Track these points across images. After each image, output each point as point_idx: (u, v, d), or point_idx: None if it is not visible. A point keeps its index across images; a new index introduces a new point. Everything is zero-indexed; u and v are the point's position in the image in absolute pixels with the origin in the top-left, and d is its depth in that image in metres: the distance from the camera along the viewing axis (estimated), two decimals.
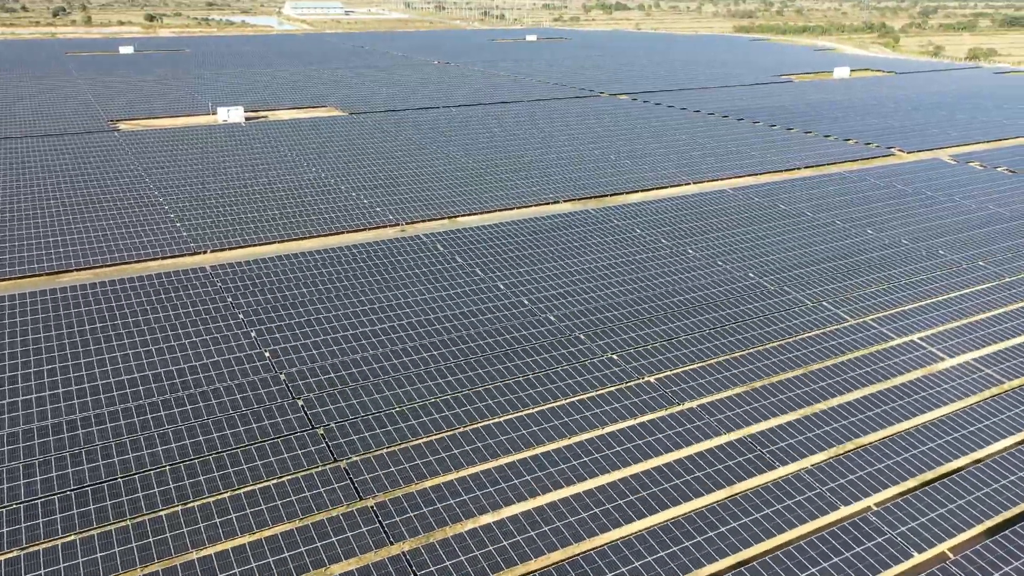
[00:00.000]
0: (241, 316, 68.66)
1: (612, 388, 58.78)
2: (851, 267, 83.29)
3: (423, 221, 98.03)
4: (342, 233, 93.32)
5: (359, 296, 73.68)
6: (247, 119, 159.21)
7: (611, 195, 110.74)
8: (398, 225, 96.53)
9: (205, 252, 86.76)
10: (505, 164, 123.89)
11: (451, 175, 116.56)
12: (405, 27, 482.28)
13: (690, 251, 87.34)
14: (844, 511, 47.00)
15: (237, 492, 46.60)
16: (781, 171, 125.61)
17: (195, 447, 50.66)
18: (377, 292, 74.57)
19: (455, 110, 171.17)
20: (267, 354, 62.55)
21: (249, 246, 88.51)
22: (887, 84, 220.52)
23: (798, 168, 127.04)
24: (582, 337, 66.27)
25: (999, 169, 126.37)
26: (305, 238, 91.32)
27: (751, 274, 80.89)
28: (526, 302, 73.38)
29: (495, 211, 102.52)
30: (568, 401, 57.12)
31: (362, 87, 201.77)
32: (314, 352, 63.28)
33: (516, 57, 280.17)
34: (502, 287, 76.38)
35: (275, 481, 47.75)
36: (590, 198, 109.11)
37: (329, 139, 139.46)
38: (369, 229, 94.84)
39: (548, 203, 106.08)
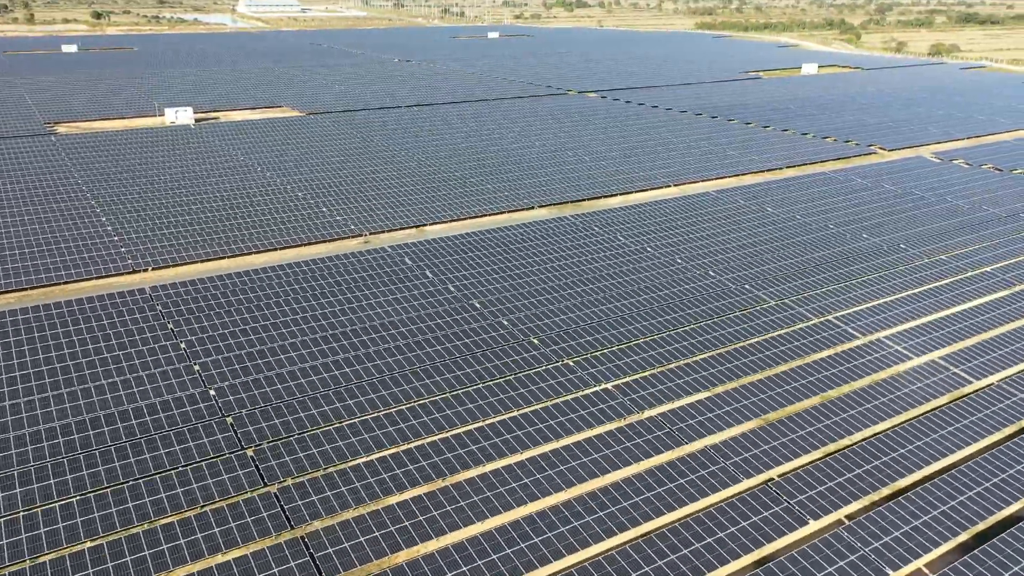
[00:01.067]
0: (183, 347, 60.43)
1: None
2: (850, 274, 77.52)
3: (389, 231, 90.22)
4: (299, 246, 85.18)
5: (319, 320, 65.78)
6: (197, 121, 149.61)
7: (589, 199, 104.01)
8: (361, 236, 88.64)
9: (146, 270, 78.04)
10: (475, 167, 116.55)
11: (418, 180, 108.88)
12: (363, 24, 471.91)
13: (679, 260, 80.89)
14: (814, 525, 42.51)
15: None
16: (764, 171, 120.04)
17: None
18: (340, 315, 66.73)
19: (418, 110, 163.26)
20: (212, 392, 54.49)
21: (195, 262, 79.95)
22: (857, 80, 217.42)
23: (780, 168, 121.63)
24: (572, 364, 59.30)
25: (984, 167, 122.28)
26: (257, 252, 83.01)
27: (747, 286, 74.60)
28: (505, 323, 66.15)
29: (467, 219, 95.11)
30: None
31: (320, 86, 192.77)
32: (256, 394, 55.34)
33: (480, 54, 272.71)
34: (477, 305, 69.11)
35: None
36: (567, 203, 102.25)
37: (285, 142, 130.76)
38: (329, 241, 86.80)
39: (523, 209, 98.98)
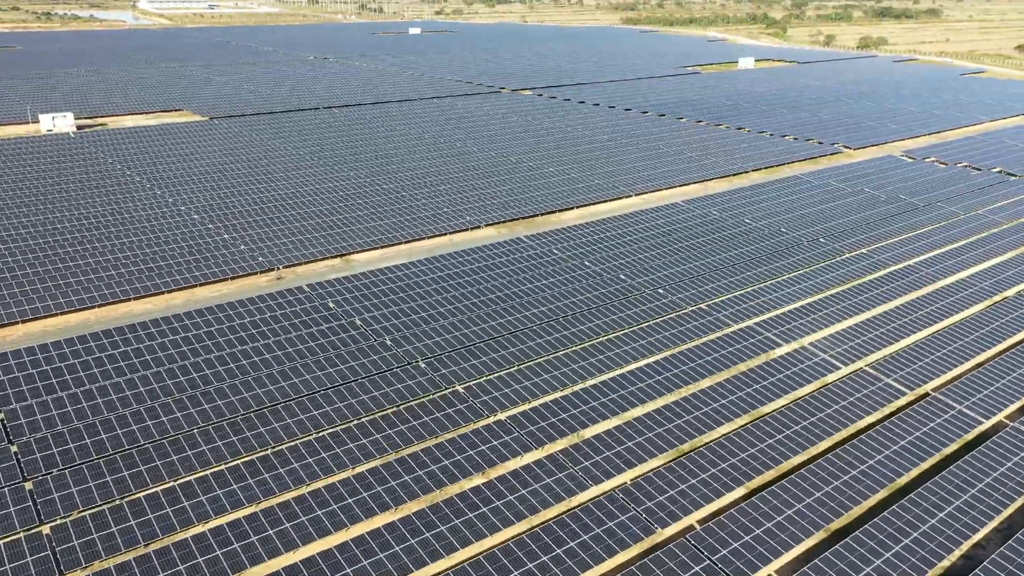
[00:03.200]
0: (15, 451, 43.41)
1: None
2: (866, 300, 65.30)
3: (307, 262, 73.88)
4: (190, 287, 68.15)
5: (196, 403, 49.44)
6: (78, 128, 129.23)
7: (543, 215, 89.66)
8: (273, 271, 72.11)
9: None
10: (408, 179, 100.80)
11: (340, 196, 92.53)
12: (276, 21, 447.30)
13: (664, 293, 67.26)
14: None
15: None
16: (730, 176, 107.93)
17: None
18: (227, 395, 50.52)
19: (338, 112, 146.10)
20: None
21: (49, 315, 62.21)
22: (797, 75, 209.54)
23: (747, 171, 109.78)
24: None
25: (960, 166, 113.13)
26: (135, 298, 65.69)
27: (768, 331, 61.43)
28: (462, 391, 51.13)
29: (401, 243, 79.50)
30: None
31: (226, 87, 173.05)
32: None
33: (402, 51, 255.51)
34: (423, 366, 53.91)
35: None
36: (518, 220, 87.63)
37: (181, 152, 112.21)
38: (231, 279, 69.98)
39: (467, 229, 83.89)
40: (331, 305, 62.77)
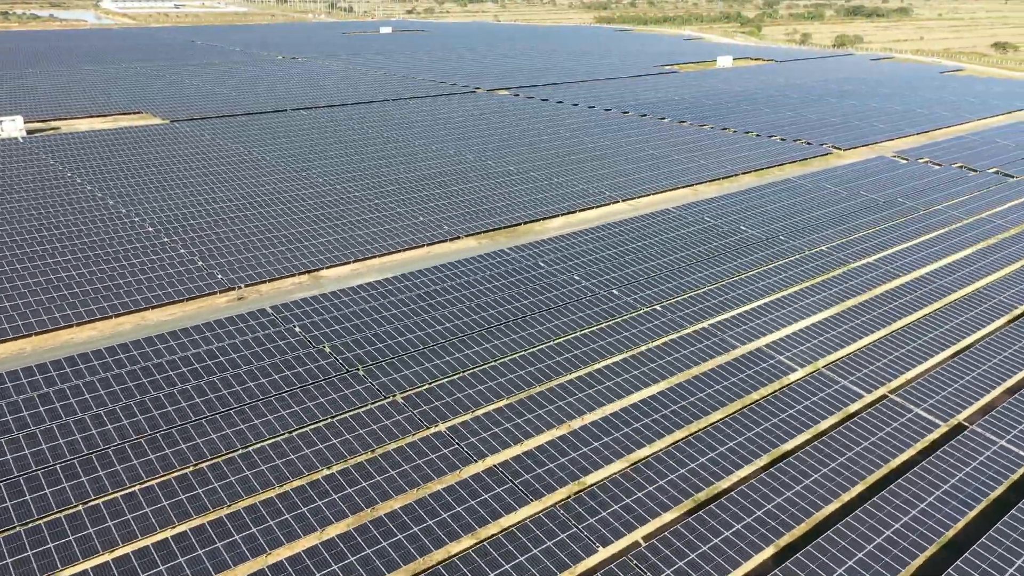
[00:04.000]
0: None
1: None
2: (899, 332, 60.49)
3: (272, 280, 67.59)
4: (141, 310, 61.65)
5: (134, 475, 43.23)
6: (28, 132, 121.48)
7: (526, 223, 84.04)
8: (233, 290, 65.80)
9: None
10: (380, 186, 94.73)
11: (309, 205, 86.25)
12: (244, 21, 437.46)
13: (684, 320, 61.97)
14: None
15: None
16: (720, 179, 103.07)
17: None
18: (179, 465, 44.33)
19: (307, 114, 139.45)
20: None
21: None
22: (777, 73, 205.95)
23: (737, 174, 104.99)
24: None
25: (955, 166, 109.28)
26: (79, 324, 59.09)
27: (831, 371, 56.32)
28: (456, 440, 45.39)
29: (374, 258, 73.45)
30: None
31: (189, 88, 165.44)
32: None
33: (373, 51, 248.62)
34: (400, 401, 48.05)
35: None
36: (500, 230, 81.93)
37: (138, 158, 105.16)
38: (188, 299, 63.54)
39: (446, 240, 78.00)
40: (297, 330, 56.66)
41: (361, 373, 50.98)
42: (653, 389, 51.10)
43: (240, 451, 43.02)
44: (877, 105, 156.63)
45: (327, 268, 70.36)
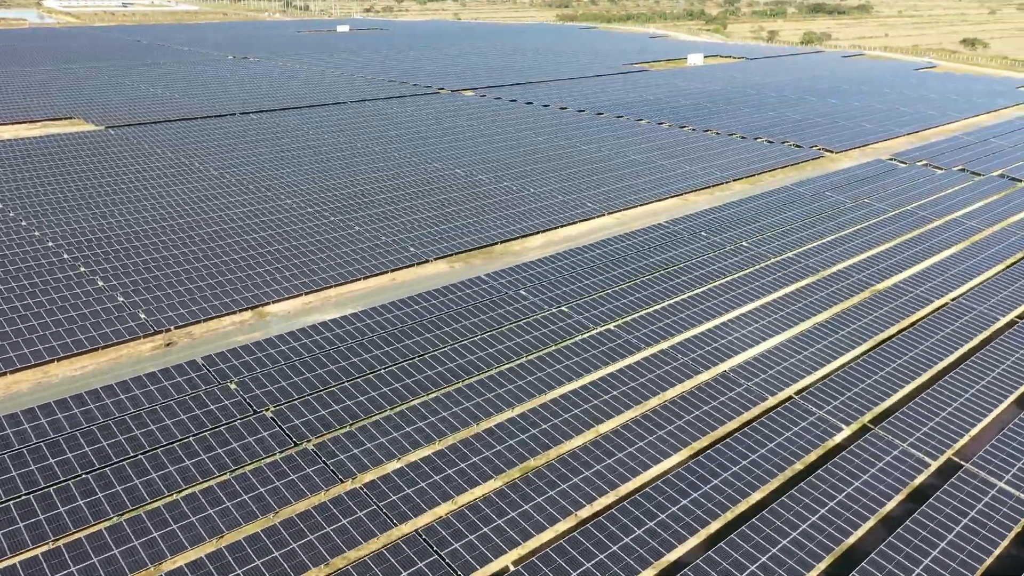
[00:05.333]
0: None
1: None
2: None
3: (207, 319, 57.13)
4: (47, 362, 50.81)
5: None
6: None
7: (503, 242, 74.47)
8: (160, 333, 55.24)
9: None
10: (337, 201, 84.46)
11: (253, 226, 75.73)
12: (195, 19, 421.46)
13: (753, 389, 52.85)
14: None
15: None
16: (711, 187, 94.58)
17: None
18: None
19: (256, 118, 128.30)
20: None
21: None
22: (750, 71, 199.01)
23: (728, 181, 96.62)
24: None
25: (956, 169, 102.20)
26: None
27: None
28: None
29: (330, 287, 63.32)
30: None
31: (129, 91, 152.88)
32: None
33: (330, 50, 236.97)
34: (362, 486, 38.32)
35: None
36: (474, 251, 72.22)
37: (62, 170, 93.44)
38: (104, 347, 52.85)
39: (413, 264, 68.10)
40: (232, 387, 46.44)
41: (311, 448, 41.07)
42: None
43: None
44: (860, 104, 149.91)
45: (274, 302, 60.08)
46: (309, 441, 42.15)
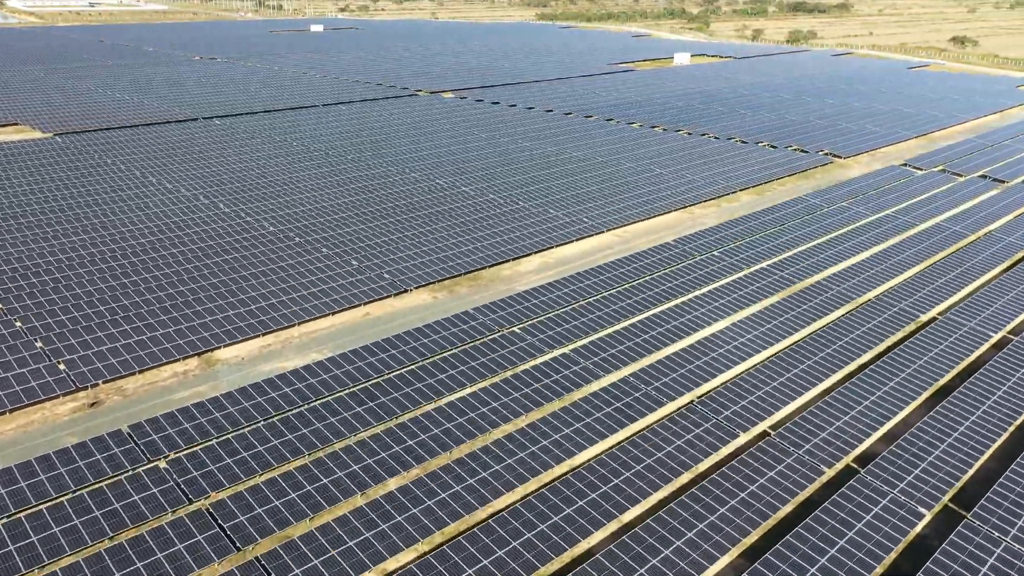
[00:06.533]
0: None
1: None
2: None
3: (143, 370, 47.82)
4: None
5: None
6: None
7: (493, 266, 65.68)
8: (84, 390, 45.87)
9: None
10: (301, 219, 75.25)
11: (203, 251, 66.37)
12: (164, 19, 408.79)
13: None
14: None
15: None
16: (716, 198, 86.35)
17: None
18: None
19: (220, 123, 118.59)
20: None
21: None
22: (742, 70, 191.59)
23: (734, 191, 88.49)
24: None
25: (977, 176, 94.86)
26: None
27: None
28: None
29: (291, 326, 54.21)
30: None
31: (84, 94, 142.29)
32: None
33: (303, 50, 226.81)
34: None
35: None
36: (460, 276, 63.36)
37: None
38: (12, 410, 43.38)
39: (390, 295, 59.14)
40: (163, 467, 37.33)
41: (260, 560, 32.07)
42: None
43: None
44: (859, 104, 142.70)
45: (225, 346, 50.91)
46: (258, 545, 33.20)
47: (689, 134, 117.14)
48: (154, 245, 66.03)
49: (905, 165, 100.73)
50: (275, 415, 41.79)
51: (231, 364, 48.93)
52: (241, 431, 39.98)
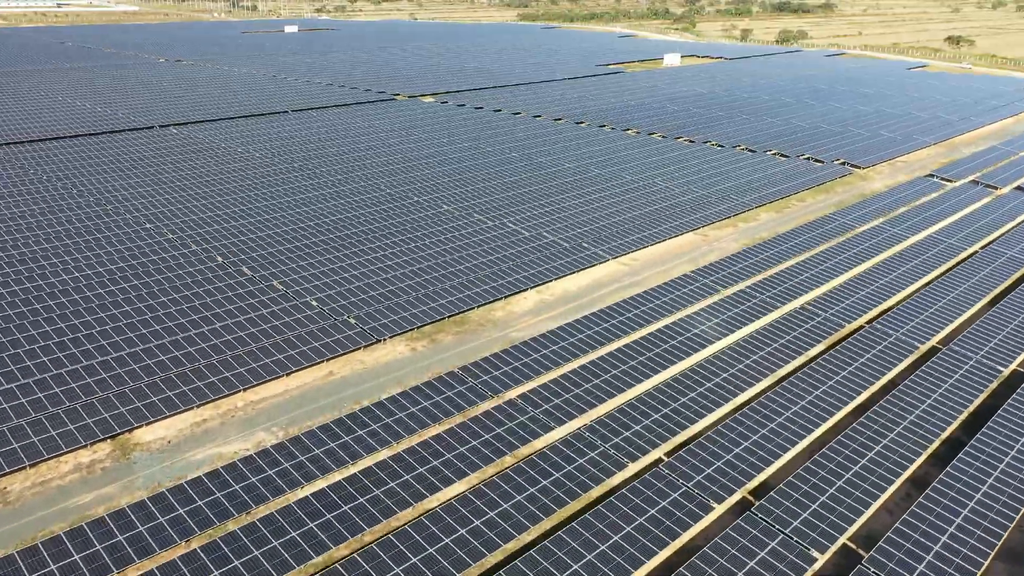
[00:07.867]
0: None
1: None
2: None
3: (34, 464, 37.17)
4: None
5: None
6: None
7: (482, 305, 55.41)
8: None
9: None
10: (255, 247, 64.62)
11: (128, 295, 55.65)
12: (134, 20, 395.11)
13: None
14: None
15: None
16: (733, 216, 76.58)
17: None
18: None
19: (176, 132, 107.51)
20: None
21: None
22: (736, 72, 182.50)
23: (751, 208, 78.77)
24: None
25: (1014, 188, 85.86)
26: None
27: None
28: None
29: (233, 394, 43.65)
30: None
31: (30, 102, 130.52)
32: None
33: (276, 52, 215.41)
34: None
35: None
36: (443, 321, 53.04)
37: None
38: None
39: (360, 348, 48.73)
40: None
41: None
42: None
43: None
44: (866, 108, 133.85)
45: (147, 424, 40.31)
46: None
47: (691, 141, 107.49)
48: (61, 288, 55.22)
49: (932, 176, 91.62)
50: (200, 534, 31.37)
51: (151, 451, 38.39)
52: (150, 570, 29.52)
